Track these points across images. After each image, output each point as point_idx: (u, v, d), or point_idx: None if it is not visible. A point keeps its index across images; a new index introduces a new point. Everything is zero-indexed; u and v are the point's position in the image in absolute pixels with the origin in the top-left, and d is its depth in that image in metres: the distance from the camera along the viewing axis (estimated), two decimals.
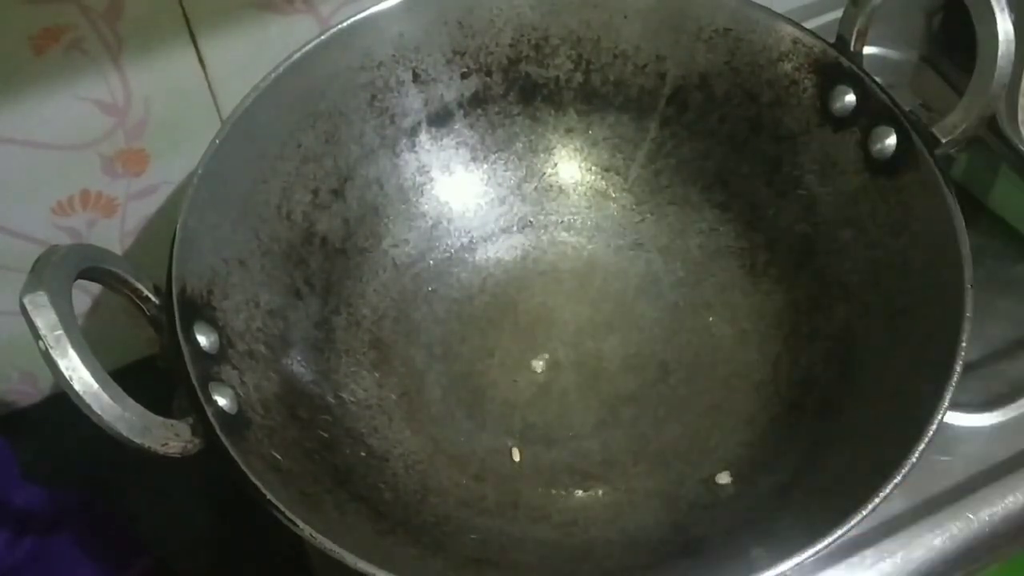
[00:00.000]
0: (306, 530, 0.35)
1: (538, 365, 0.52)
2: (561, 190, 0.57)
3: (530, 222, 0.57)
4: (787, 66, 0.50)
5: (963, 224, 0.43)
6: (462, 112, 0.54)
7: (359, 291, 0.52)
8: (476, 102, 0.54)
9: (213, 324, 0.42)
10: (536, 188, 0.57)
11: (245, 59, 0.49)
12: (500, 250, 0.56)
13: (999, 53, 0.43)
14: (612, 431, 0.49)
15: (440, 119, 0.54)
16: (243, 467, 0.36)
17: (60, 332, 0.32)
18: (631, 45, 0.53)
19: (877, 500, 0.36)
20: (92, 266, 0.37)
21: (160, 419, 0.35)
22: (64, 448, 0.53)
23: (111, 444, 0.34)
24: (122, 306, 0.41)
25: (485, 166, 0.56)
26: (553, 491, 0.47)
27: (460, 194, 0.56)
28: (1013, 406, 0.50)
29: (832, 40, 0.49)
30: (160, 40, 0.47)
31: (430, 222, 0.55)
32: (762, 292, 0.52)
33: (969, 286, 0.41)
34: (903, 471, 0.37)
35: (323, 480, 0.42)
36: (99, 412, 0.33)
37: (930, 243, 0.44)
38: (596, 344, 0.52)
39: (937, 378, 0.39)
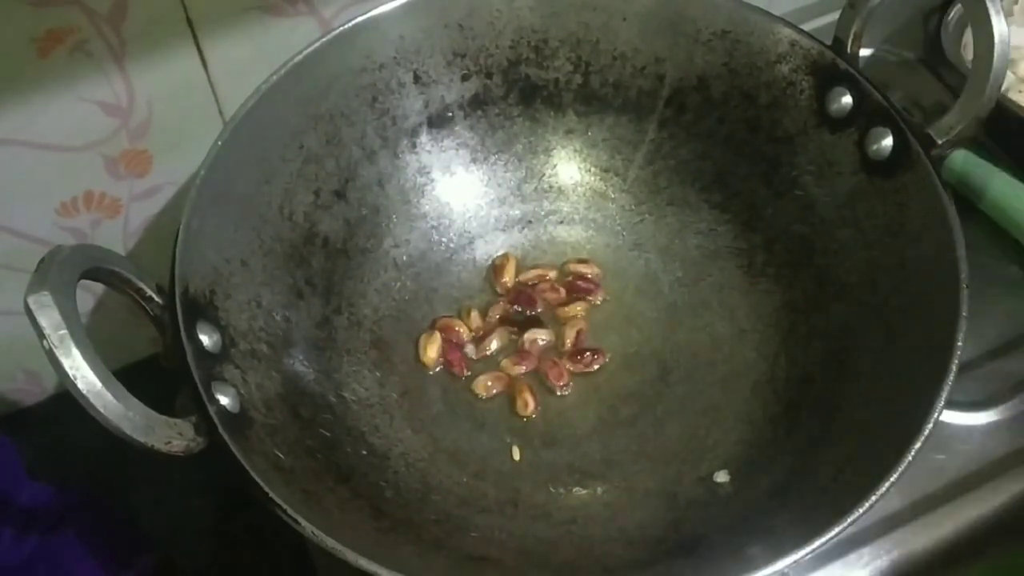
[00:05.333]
0: (308, 528, 0.35)
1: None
2: (561, 191, 0.57)
3: (530, 222, 0.57)
4: (784, 68, 0.50)
5: (959, 224, 0.43)
6: (462, 114, 0.55)
7: (360, 291, 0.53)
8: (476, 104, 0.55)
9: (216, 324, 0.42)
10: (536, 189, 0.57)
11: (247, 61, 0.49)
12: (500, 250, 0.56)
13: (994, 54, 0.43)
14: (611, 430, 0.50)
15: (441, 120, 0.55)
16: (245, 465, 0.36)
17: (64, 332, 0.33)
18: (630, 47, 0.53)
19: (874, 498, 0.36)
20: (96, 266, 0.37)
21: (163, 418, 0.36)
22: (68, 446, 0.54)
23: (115, 442, 0.34)
24: (125, 306, 0.42)
25: (485, 167, 0.56)
26: (553, 489, 0.48)
27: (460, 195, 0.56)
28: (1009, 405, 0.50)
29: (829, 42, 0.49)
30: (163, 42, 0.47)
31: (431, 222, 0.56)
32: (760, 292, 0.53)
33: (964, 285, 0.41)
34: (899, 469, 0.37)
35: (325, 478, 0.43)
36: (103, 411, 0.33)
37: (926, 243, 0.44)
38: (595, 343, 0.53)
39: (933, 377, 0.39)
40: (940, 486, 0.48)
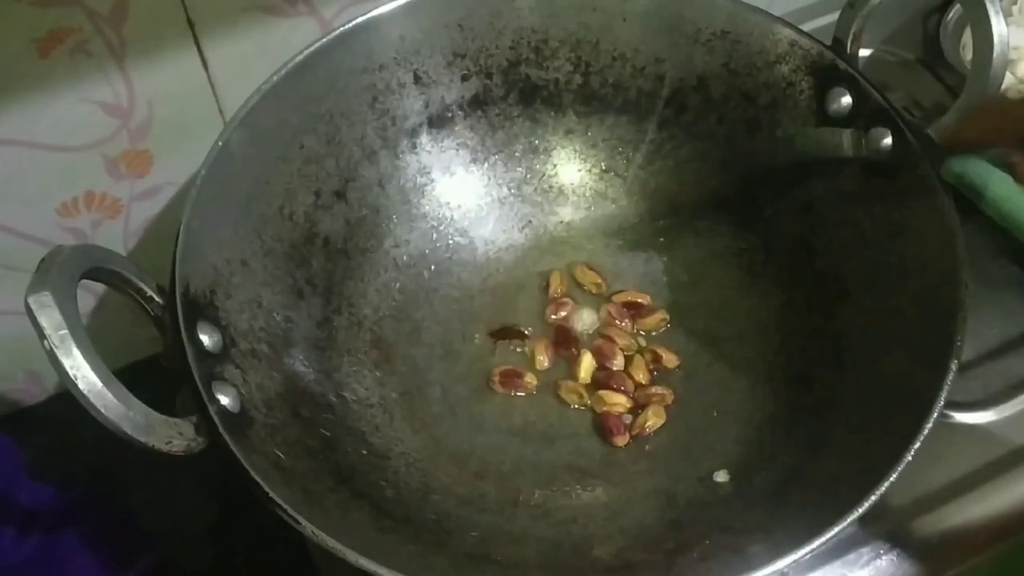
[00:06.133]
0: (308, 527, 0.36)
1: (539, 363, 0.52)
2: (560, 191, 0.57)
3: (530, 222, 0.57)
4: (784, 68, 0.50)
5: (959, 224, 0.43)
6: (463, 114, 0.55)
7: (361, 291, 0.53)
8: (476, 104, 0.55)
9: (216, 324, 0.42)
10: (536, 189, 0.57)
11: (248, 61, 0.49)
12: (500, 250, 0.56)
13: (994, 55, 0.43)
14: None
15: (441, 121, 0.55)
16: (246, 465, 0.37)
17: (65, 332, 0.33)
18: (630, 48, 0.54)
19: (873, 498, 0.36)
20: (96, 266, 0.37)
21: (164, 418, 0.36)
22: (69, 446, 0.54)
23: (116, 442, 0.34)
24: (126, 306, 0.42)
25: (485, 167, 0.56)
26: (553, 489, 0.48)
27: (461, 195, 0.56)
28: (1008, 404, 0.50)
29: (829, 42, 0.49)
30: (164, 43, 0.47)
31: (431, 223, 0.56)
32: (759, 292, 0.53)
33: (965, 286, 0.41)
34: (898, 469, 0.37)
35: (325, 478, 0.43)
36: (103, 411, 0.33)
37: (926, 243, 0.45)
38: (595, 343, 0.53)
39: (933, 376, 0.39)
40: (940, 486, 0.48)
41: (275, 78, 0.47)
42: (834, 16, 0.49)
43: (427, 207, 0.55)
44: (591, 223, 0.57)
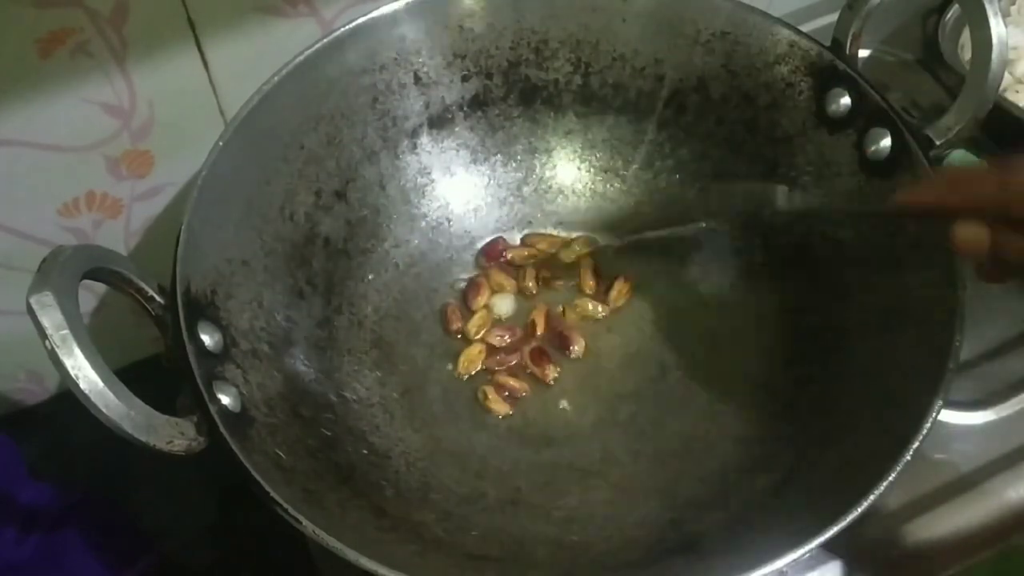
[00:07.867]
0: (308, 527, 0.36)
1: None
2: (560, 191, 0.57)
3: (530, 223, 0.57)
4: (783, 69, 0.50)
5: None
6: (463, 114, 0.55)
7: (361, 291, 0.53)
8: (477, 104, 0.55)
9: (217, 323, 0.42)
10: (535, 189, 0.57)
11: (249, 62, 0.49)
12: None
13: (992, 56, 0.43)
14: (611, 429, 0.50)
15: (441, 121, 0.55)
16: (246, 464, 0.37)
17: (66, 332, 0.33)
18: (629, 48, 0.54)
19: (872, 497, 0.36)
20: (97, 266, 0.37)
21: (165, 417, 0.36)
22: (70, 446, 0.54)
23: (117, 442, 0.34)
24: (127, 306, 0.42)
25: (485, 167, 0.57)
26: (553, 489, 0.48)
27: (461, 195, 0.56)
28: (1006, 404, 0.51)
29: (828, 43, 0.49)
30: (165, 43, 0.47)
31: (431, 223, 0.56)
32: (759, 292, 0.53)
33: (964, 286, 0.41)
34: (897, 468, 0.37)
35: (325, 477, 0.43)
36: (104, 411, 0.33)
37: (924, 244, 0.45)
38: (595, 343, 0.53)
39: (932, 376, 0.39)
40: (939, 485, 0.48)
41: (276, 79, 0.47)
42: (834, 16, 0.49)
43: (427, 207, 0.56)
44: (591, 224, 0.57)
